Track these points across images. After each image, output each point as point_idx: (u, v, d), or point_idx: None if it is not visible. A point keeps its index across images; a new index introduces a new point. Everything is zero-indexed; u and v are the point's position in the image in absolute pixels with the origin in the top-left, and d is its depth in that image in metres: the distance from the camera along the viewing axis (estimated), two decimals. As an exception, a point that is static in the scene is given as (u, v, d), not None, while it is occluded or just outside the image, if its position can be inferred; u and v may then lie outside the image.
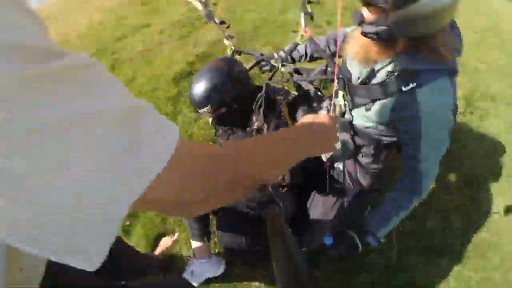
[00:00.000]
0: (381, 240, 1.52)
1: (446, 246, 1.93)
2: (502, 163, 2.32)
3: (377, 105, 1.36)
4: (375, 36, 1.16)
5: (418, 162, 1.32)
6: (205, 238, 1.77)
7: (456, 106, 1.34)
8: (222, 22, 1.89)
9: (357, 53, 1.31)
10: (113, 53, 4.04)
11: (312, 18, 1.77)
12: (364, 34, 1.19)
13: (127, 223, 2.11)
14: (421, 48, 1.20)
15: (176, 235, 2.03)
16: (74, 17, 4.98)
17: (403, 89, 1.24)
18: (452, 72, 1.25)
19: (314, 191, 1.77)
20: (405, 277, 1.81)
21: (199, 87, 1.61)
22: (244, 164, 0.54)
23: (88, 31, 4.57)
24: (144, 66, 3.68)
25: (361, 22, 1.20)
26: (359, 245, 1.46)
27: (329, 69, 1.76)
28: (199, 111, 1.65)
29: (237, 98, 1.68)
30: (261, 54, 1.96)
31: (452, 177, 2.26)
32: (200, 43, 3.84)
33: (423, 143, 1.28)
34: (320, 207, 1.71)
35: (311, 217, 1.73)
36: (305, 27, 1.76)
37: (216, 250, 1.98)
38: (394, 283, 1.80)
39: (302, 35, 1.78)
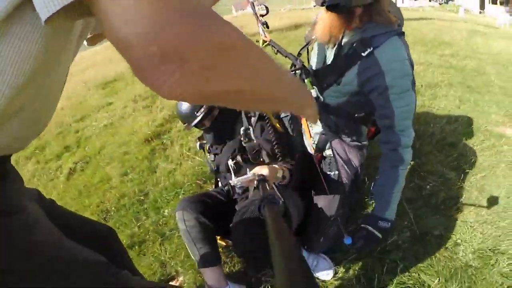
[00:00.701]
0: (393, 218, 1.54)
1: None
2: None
3: (345, 77, 1.52)
4: (337, 6, 1.36)
5: (392, 117, 1.42)
6: (216, 261, 1.58)
7: (411, 61, 1.46)
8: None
9: (324, 31, 1.51)
10: (76, 131, 4.03)
11: (267, 26, 1.98)
12: (329, 7, 1.39)
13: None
14: (372, 14, 1.42)
15: (181, 279, 1.82)
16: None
17: (363, 54, 1.43)
18: (400, 34, 1.46)
19: (313, 193, 1.77)
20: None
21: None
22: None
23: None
24: (111, 136, 3.68)
25: (323, 1, 1.40)
26: (376, 233, 1.48)
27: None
28: (196, 114, 1.62)
29: None
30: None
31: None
32: (166, 107, 3.97)
33: (390, 95, 1.41)
34: (322, 206, 1.71)
35: (315, 218, 1.71)
36: (264, 34, 1.96)
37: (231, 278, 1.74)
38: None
39: (263, 41, 1.97)
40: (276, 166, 1.52)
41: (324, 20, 1.50)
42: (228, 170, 1.68)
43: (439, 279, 1.54)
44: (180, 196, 2.36)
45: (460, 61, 5.46)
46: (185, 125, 1.69)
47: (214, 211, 1.61)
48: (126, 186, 2.67)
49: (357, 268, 1.66)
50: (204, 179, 2.53)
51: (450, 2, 41.40)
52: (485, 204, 1.94)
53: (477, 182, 2.16)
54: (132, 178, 2.76)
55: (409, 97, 1.43)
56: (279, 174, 1.48)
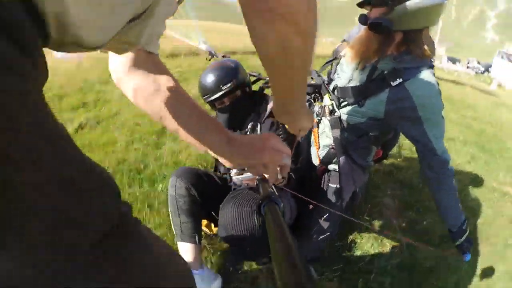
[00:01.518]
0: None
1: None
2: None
3: (370, 100, 1.56)
4: (380, 26, 1.40)
5: (430, 142, 1.48)
6: (196, 237, 1.52)
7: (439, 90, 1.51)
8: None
9: (359, 50, 1.55)
10: (98, 92, 4.15)
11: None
12: (371, 25, 1.43)
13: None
14: (410, 43, 1.44)
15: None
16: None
17: (392, 84, 1.47)
18: (431, 67, 1.50)
19: (310, 205, 1.77)
20: None
21: (213, 73, 1.69)
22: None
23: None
24: (129, 105, 3.71)
25: (366, 21, 1.46)
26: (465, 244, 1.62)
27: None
28: (222, 88, 1.67)
29: (247, 83, 1.81)
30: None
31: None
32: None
33: (426, 127, 1.46)
34: (319, 217, 1.72)
35: (308, 226, 1.73)
36: None
37: (209, 265, 1.70)
38: None
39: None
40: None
41: (362, 40, 1.53)
42: (228, 170, 1.70)
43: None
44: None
45: (479, 124, 5.47)
46: (204, 97, 1.73)
47: (207, 190, 1.61)
48: (128, 153, 2.70)
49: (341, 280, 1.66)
50: (205, 164, 2.56)
51: (486, 73, 41.54)
52: (482, 248, 1.98)
53: (476, 228, 2.19)
54: (137, 148, 2.79)
55: (443, 124, 1.52)
56: (279, 176, 1.49)
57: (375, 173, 2.47)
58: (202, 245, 1.66)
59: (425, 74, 1.44)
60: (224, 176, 1.76)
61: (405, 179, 2.58)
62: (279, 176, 1.46)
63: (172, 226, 1.57)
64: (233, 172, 1.47)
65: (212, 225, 1.84)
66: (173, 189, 1.55)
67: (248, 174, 1.26)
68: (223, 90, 1.67)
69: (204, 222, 1.80)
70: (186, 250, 1.52)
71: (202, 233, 1.68)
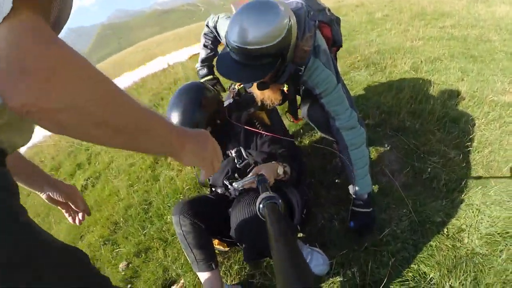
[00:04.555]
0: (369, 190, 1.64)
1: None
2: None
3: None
4: (265, 84, 1.57)
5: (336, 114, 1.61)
6: (212, 264, 1.57)
7: (336, 71, 1.60)
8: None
9: (269, 102, 1.72)
10: (87, 149, 4.17)
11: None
12: (260, 86, 1.57)
13: (128, 286, 1.94)
14: (293, 58, 1.48)
15: (182, 282, 1.84)
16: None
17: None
18: (315, 52, 1.52)
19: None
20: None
21: (177, 116, 1.61)
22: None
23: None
24: (118, 151, 3.75)
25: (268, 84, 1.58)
26: (363, 210, 1.63)
27: None
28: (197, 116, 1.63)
29: (215, 115, 1.71)
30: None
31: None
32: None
33: (328, 103, 1.59)
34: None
35: None
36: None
37: (229, 279, 1.75)
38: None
39: None
40: (275, 163, 1.53)
41: (262, 97, 1.69)
42: (226, 188, 1.70)
43: (441, 270, 1.44)
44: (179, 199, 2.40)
45: (461, 31, 5.28)
46: None
47: (211, 213, 1.62)
48: (132, 197, 2.73)
49: (351, 262, 1.59)
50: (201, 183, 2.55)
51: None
52: (492, 183, 1.82)
53: (483, 159, 2.02)
54: (138, 189, 2.83)
55: (342, 97, 1.60)
56: (280, 171, 1.48)
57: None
58: (220, 263, 1.74)
59: (311, 64, 1.52)
60: (222, 192, 1.75)
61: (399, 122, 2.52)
62: (280, 171, 1.48)
63: (189, 260, 1.61)
64: (234, 185, 1.46)
65: (224, 243, 1.86)
66: (179, 227, 1.57)
67: (246, 179, 1.24)
68: (201, 118, 1.65)
69: (216, 241, 1.84)
70: (206, 279, 1.58)
71: (216, 251, 1.73)
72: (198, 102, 1.63)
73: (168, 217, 2.30)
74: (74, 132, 0.50)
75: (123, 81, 8.88)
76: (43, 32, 0.46)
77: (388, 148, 2.18)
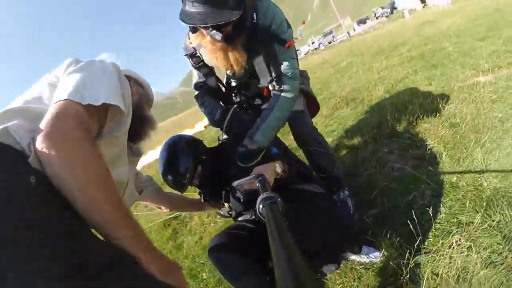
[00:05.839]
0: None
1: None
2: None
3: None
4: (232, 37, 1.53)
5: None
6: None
7: (287, 23, 1.64)
8: None
9: (235, 66, 1.67)
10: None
11: None
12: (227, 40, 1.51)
13: None
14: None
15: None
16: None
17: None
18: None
19: None
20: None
21: (167, 171, 1.67)
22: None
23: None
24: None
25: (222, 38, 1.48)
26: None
27: None
28: (183, 181, 1.66)
29: (198, 154, 1.73)
30: None
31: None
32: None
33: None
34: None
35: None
36: None
37: None
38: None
39: None
40: (273, 162, 1.53)
41: (228, 62, 1.64)
42: (246, 208, 1.70)
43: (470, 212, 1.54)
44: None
45: (417, 51, 5.97)
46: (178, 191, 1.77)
47: (249, 243, 1.55)
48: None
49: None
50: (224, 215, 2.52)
51: (394, 11, 44.63)
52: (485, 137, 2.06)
53: (469, 125, 2.29)
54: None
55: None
56: (279, 170, 1.50)
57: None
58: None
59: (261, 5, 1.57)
60: (253, 217, 1.74)
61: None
62: (279, 170, 1.51)
63: None
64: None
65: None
66: (221, 265, 1.50)
67: (246, 179, 1.20)
68: (185, 181, 1.66)
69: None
70: None
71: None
72: (179, 151, 1.69)
73: (204, 274, 2.24)
74: (59, 183, 0.70)
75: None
76: (78, 120, 0.74)
77: (387, 150, 2.45)
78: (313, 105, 2.09)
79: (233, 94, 2.13)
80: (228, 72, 1.79)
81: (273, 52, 1.65)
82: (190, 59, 1.82)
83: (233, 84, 2.06)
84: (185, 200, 2.03)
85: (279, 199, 0.78)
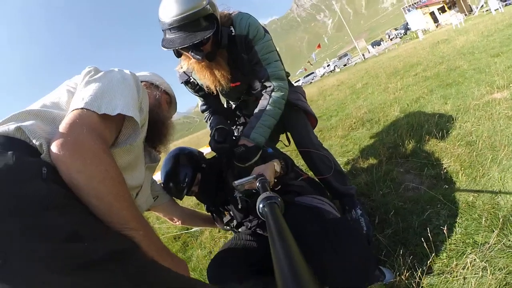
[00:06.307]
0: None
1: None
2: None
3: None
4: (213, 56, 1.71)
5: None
6: None
7: (263, 29, 1.78)
8: None
9: (220, 81, 1.82)
10: None
11: None
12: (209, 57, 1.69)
13: None
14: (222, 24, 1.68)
15: None
16: None
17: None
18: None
19: None
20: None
21: (167, 177, 1.72)
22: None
23: None
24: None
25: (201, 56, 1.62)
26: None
27: None
28: (183, 186, 1.69)
29: (197, 162, 1.77)
30: None
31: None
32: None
33: (261, 50, 1.75)
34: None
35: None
36: None
37: None
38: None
39: None
40: (272, 161, 1.53)
41: (214, 78, 1.79)
42: (246, 216, 1.71)
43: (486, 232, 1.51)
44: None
45: (432, 70, 5.95)
46: (176, 198, 1.82)
47: (254, 258, 1.53)
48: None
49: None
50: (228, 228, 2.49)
51: (408, 32, 44.82)
52: (501, 154, 2.04)
53: (485, 144, 2.25)
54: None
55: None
56: (278, 168, 1.51)
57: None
58: None
59: (236, 19, 1.72)
60: (253, 229, 1.74)
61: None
62: (278, 169, 1.50)
63: None
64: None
65: None
66: (211, 281, 1.46)
67: (247, 179, 1.20)
68: (184, 185, 1.69)
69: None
70: None
71: None
72: (178, 160, 1.74)
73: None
74: (74, 189, 0.75)
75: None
76: (93, 130, 0.80)
77: (403, 170, 2.43)
78: (311, 120, 2.16)
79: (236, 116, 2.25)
80: (220, 90, 1.94)
81: (256, 59, 1.77)
82: (186, 86, 2.02)
83: (233, 105, 2.17)
84: (197, 215, 2.03)
85: (279, 199, 0.78)
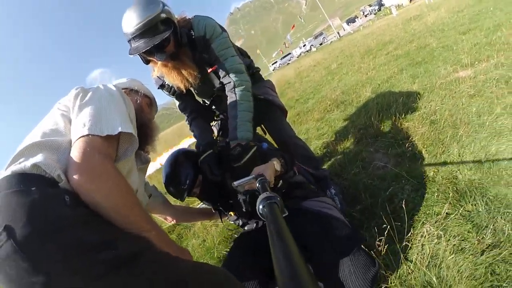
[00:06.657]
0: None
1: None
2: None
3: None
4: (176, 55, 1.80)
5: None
6: None
7: (220, 28, 1.87)
8: None
9: (187, 79, 1.90)
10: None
11: None
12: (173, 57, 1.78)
13: None
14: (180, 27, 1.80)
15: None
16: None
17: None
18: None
19: None
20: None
21: (169, 180, 1.72)
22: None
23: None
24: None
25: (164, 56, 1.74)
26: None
27: None
28: (183, 188, 1.68)
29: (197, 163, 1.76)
30: None
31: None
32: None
33: (217, 47, 1.84)
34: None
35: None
36: None
37: None
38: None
39: None
40: (272, 161, 1.54)
41: (182, 78, 1.88)
42: (250, 217, 1.77)
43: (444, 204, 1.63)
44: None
45: (403, 48, 6.12)
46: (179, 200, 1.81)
47: (251, 252, 1.54)
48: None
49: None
50: (231, 229, 2.66)
51: (382, 8, 45.06)
52: (461, 131, 2.17)
53: (447, 121, 2.41)
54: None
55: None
56: (277, 167, 1.51)
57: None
58: None
59: (196, 20, 1.84)
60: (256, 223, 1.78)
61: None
62: (278, 168, 1.52)
63: None
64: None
65: None
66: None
67: (247, 179, 1.19)
68: (185, 187, 1.69)
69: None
70: None
71: None
72: (179, 162, 1.74)
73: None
74: (95, 207, 0.88)
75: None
76: (102, 153, 0.92)
77: (372, 150, 2.57)
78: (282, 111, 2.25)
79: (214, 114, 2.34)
80: (193, 90, 2.05)
81: (214, 57, 1.87)
82: (163, 90, 2.12)
83: (207, 102, 2.27)
84: (190, 211, 2.13)
85: (278, 199, 0.79)
